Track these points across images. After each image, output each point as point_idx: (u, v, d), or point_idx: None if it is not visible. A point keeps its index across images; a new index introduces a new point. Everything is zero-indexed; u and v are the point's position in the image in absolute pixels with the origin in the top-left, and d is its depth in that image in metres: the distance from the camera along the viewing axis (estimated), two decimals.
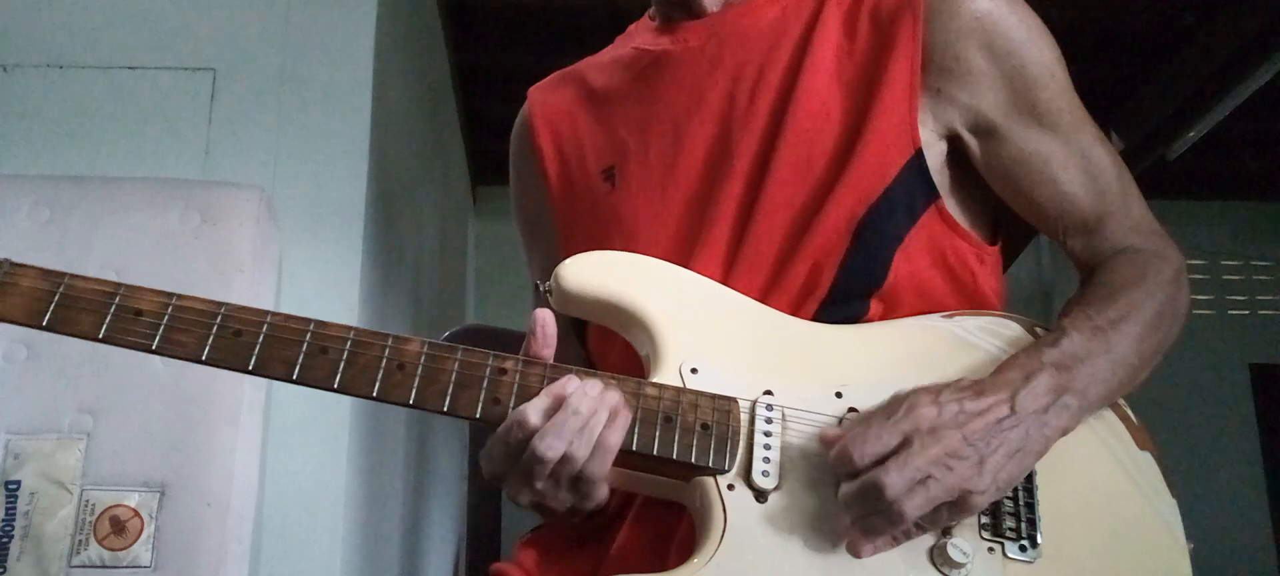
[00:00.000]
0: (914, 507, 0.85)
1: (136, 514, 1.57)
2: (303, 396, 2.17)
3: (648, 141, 1.11)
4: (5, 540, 1.54)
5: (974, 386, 0.91)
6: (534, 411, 0.88)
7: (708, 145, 1.08)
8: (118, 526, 1.56)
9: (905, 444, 0.87)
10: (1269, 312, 5.32)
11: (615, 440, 0.89)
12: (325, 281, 2.37)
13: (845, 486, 0.88)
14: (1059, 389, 0.93)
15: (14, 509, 1.56)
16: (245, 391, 1.70)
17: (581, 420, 0.87)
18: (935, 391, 0.90)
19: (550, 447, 0.86)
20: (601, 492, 0.92)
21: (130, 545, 1.56)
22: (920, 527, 0.89)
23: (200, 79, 2.49)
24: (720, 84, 1.09)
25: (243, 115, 2.48)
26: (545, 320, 0.94)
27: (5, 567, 1.52)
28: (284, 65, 2.53)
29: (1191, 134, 3.87)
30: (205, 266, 1.74)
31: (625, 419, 0.90)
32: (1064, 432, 0.94)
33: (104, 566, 1.55)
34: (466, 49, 4.05)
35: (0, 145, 2.37)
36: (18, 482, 1.57)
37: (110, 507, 1.57)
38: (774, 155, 1.04)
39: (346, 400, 2.27)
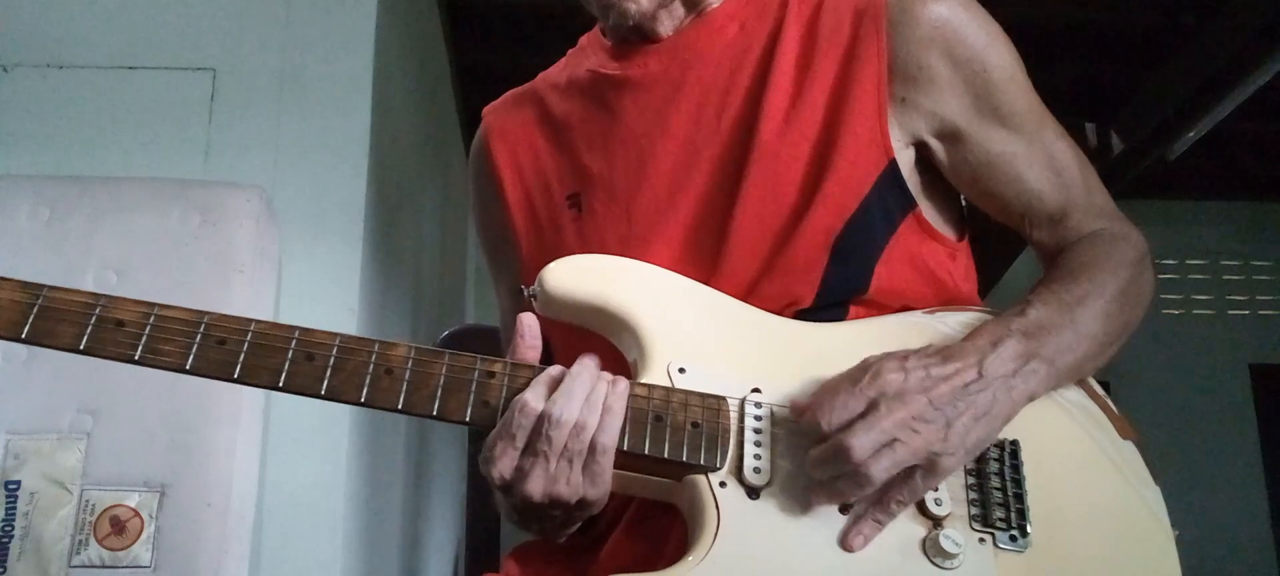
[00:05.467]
0: (880, 470, 0.86)
1: (136, 514, 1.58)
2: (302, 397, 2.17)
3: (612, 167, 1.11)
4: (5, 540, 1.54)
5: (941, 352, 0.93)
6: (534, 394, 0.88)
7: (674, 170, 1.08)
8: (118, 526, 1.57)
9: (872, 408, 0.88)
10: (1269, 313, 5.33)
11: (620, 403, 0.90)
12: (325, 281, 2.37)
13: (813, 450, 0.89)
14: (1027, 355, 0.94)
15: (14, 509, 1.56)
16: (245, 392, 1.70)
17: (586, 385, 0.88)
18: (902, 357, 0.91)
19: (564, 410, 0.87)
20: (608, 477, 0.91)
21: (130, 545, 1.56)
22: (900, 503, 0.90)
23: (200, 79, 2.49)
24: (684, 108, 1.09)
25: (243, 115, 2.48)
26: (530, 323, 0.94)
27: (5, 567, 1.52)
28: (284, 65, 2.53)
29: (1191, 134, 3.86)
30: (205, 266, 1.75)
31: (624, 384, 0.91)
32: (1032, 398, 0.95)
33: (104, 566, 1.56)
34: (466, 49, 4.05)
35: (0, 145, 2.37)
36: (18, 482, 1.57)
37: (110, 507, 1.58)
38: (743, 176, 1.04)
39: None
